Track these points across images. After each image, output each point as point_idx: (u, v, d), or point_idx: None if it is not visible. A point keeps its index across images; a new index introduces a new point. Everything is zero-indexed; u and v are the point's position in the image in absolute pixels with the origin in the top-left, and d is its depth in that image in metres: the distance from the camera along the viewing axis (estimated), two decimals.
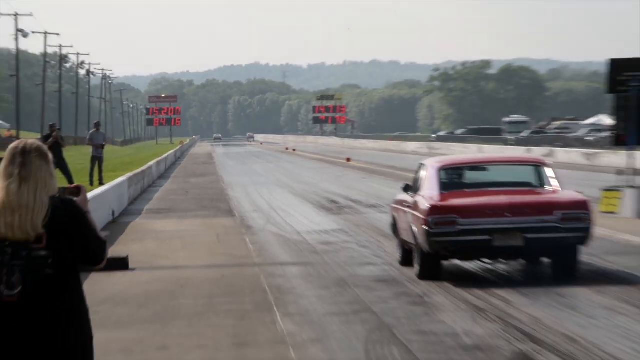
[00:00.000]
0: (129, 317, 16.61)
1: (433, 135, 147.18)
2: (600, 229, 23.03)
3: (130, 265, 21.90)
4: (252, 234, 29.70)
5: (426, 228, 18.79)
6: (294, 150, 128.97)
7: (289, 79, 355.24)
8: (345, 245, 25.87)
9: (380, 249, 24.49)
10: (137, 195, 47.58)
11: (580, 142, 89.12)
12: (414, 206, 19.77)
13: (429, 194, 19.55)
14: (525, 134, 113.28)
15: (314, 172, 69.18)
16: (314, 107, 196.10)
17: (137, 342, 14.69)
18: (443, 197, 19.28)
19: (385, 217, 26.42)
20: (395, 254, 22.00)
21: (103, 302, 17.40)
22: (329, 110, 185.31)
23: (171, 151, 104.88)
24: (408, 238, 20.40)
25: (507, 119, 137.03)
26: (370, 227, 29.94)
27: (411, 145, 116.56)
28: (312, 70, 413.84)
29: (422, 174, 20.48)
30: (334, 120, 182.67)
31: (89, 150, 51.57)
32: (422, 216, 19.02)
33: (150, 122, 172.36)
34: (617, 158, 36.88)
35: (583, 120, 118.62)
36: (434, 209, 18.89)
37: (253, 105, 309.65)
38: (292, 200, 42.91)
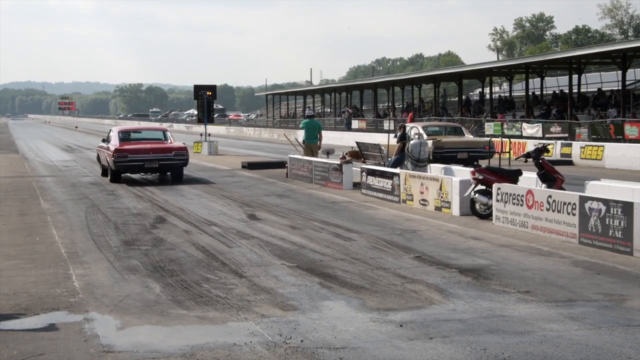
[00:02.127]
0: None
1: (117, 117, 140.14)
2: (194, 160, 22.96)
3: None
4: (28, 161, 27.36)
5: (113, 159, 18.09)
6: (49, 122, 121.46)
7: (47, 89, 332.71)
8: (75, 167, 24.29)
9: (92, 169, 23.12)
10: None
11: (183, 121, 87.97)
12: (108, 148, 18.89)
13: (114, 143, 18.69)
14: (159, 117, 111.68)
15: (59, 133, 64.41)
16: (59, 102, 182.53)
17: None
18: (121, 145, 18.47)
19: (94, 154, 25.01)
20: (99, 171, 20.90)
21: None
22: (67, 104, 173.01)
23: None
24: (105, 163, 19.51)
25: (151, 110, 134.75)
26: (88, 158, 28.24)
27: (107, 121, 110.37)
28: (57, 85, 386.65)
29: (111, 133, 19.62)
30: (69, 109, 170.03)
31: None
32: (111, 153, 18.24)
33: None
34: (200, 129, 36.28)
35: (185, 111, 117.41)
36: (116, 150, 18.16)
37: (28, 101, 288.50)
38: (48, 146, 39.80)
